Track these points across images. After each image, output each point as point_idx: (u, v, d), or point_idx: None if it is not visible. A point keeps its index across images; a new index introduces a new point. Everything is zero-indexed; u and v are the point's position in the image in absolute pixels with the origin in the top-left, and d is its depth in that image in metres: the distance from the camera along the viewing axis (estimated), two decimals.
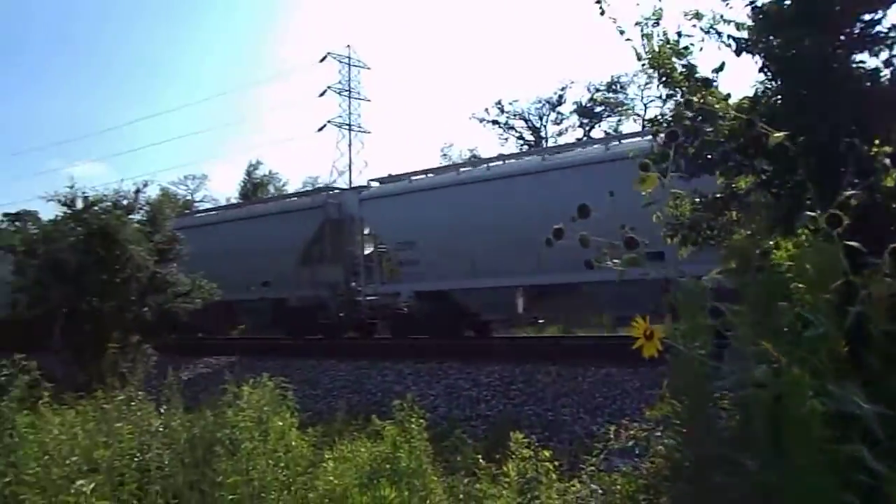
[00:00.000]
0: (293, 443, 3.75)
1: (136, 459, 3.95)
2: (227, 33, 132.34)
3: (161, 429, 4.56)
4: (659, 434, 2.28)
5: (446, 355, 13.86)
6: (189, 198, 67.87)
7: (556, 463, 3.55)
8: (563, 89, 45.56)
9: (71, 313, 10.25)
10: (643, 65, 3.94)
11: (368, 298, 17.39)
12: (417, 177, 17.28)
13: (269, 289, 18.59)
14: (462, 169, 16.72)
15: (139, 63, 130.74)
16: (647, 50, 3.88)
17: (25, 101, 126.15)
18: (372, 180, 18.78)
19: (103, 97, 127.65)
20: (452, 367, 13.30)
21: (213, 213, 24.87)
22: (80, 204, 10.79)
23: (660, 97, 4.17)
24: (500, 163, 16.40)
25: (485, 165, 16.34)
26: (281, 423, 3.82)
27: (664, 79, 3.87)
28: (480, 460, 4.09)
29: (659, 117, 4.20)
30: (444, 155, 55.61)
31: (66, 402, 5.63)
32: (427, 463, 4.03)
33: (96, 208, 10.75)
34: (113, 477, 3.59)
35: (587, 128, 45.43)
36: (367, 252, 17.63)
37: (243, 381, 4.85)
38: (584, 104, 45.38)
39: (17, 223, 17.14)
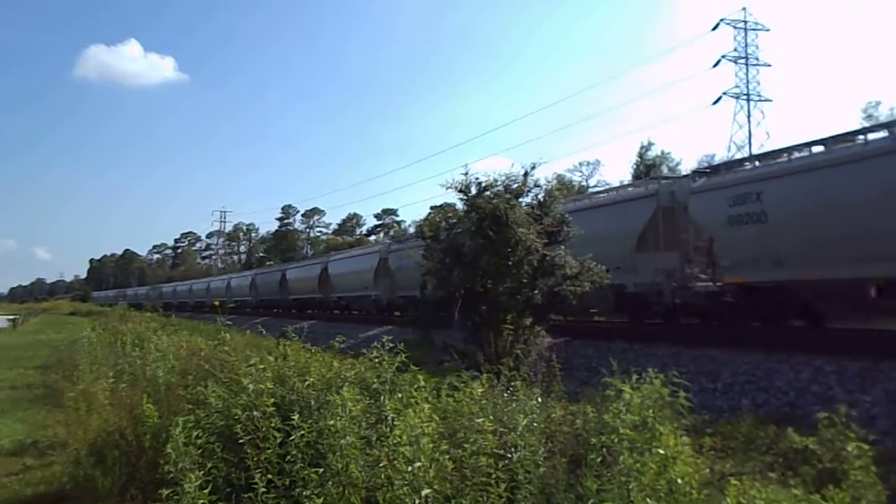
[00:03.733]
0: (678, 480, 2.78)
1: (503, 461, 3.47)
2: (613, 14, 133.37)
3: (534, 424, 4.06)
4: None
5: (884, 353, 11.15)
6: (584, 183, 70.06)
7: None
8: None
9: (468, 294, 10.74)
10: None
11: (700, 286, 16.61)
12: (742, 166, 16.86)
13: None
14: (795, 155, 14.70)
15: (510, 64, 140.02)
16: None
17: (440, 112, 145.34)
18: (696, 171, 18.66)
19: (493, 98, 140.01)
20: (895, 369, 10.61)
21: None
22: (473, 190, 11.26)
23: None
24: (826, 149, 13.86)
25: (806, 151, 14.31)
26: (665, 448, 2.89)
27: None
28: None
29: None
30: (868, 116, 47.30)
31: (462, 379, 5.49)
32: None
33: (488, 193, 11.08)
34: (463, 484, 3.13)
35: None
36: (696, 241, 16.82)
37: (626, 375, 4.07)
38: None
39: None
